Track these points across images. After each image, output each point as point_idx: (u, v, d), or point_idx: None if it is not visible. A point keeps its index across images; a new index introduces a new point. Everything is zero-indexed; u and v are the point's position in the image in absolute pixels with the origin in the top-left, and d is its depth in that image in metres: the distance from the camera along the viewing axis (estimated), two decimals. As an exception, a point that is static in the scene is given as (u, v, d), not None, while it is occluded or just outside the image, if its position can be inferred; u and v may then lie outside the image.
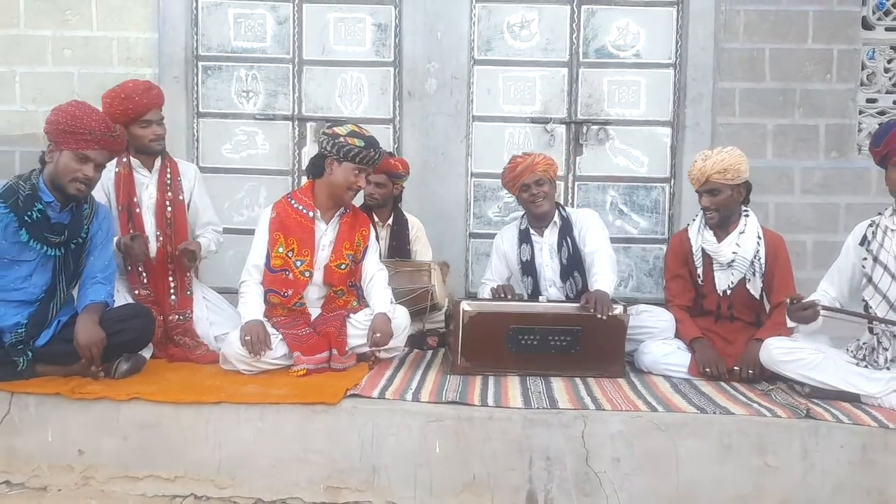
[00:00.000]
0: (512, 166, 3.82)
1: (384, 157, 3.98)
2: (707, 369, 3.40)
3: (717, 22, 4.68)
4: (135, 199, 3.62)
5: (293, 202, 3.54)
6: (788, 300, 3.10)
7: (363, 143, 3.42)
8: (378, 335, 3.39)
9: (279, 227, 3.48)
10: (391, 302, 3.54)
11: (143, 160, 3.66)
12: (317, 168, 3.52)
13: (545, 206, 3.80)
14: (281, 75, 4.91)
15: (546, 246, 3.87)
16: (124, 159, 3.65)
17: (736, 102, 4.70)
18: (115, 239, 3.53)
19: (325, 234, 3.54)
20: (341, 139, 3.41)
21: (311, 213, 3.51)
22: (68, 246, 3.14)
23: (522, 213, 3.99)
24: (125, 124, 3.49)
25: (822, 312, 3.08)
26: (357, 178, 3.46)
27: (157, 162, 3.69)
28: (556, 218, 3.86)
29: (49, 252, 3.09)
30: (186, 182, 3.77)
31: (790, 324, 3.21)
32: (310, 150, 4.81)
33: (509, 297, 3.60)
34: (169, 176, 3.70)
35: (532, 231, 3.90)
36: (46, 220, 3.06)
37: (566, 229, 3.84)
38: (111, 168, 3.63)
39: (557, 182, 4.22)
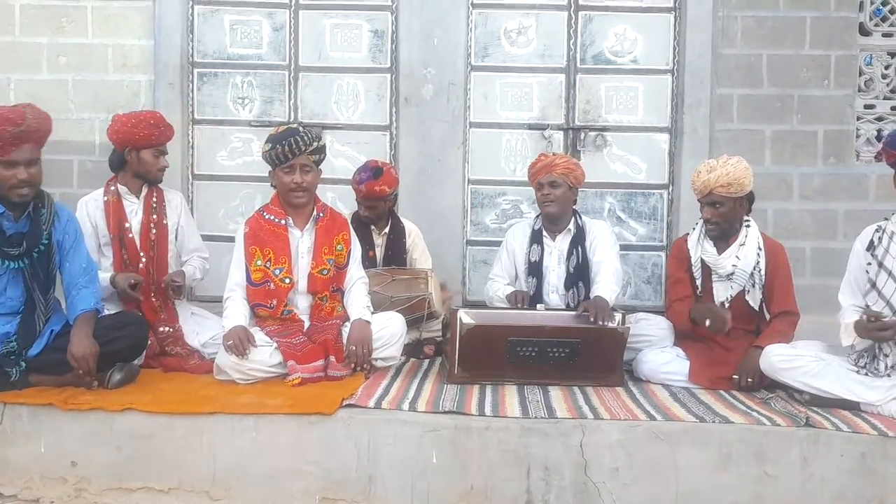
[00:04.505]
0: (534, 162, 3.89)
1: (370, 182, 3.97)
2: (707, 321, 3.39)
3: (715, 28, 4.67)
4: (126, 226, 3.67)
5: (265, 214, 3.54)
6: (864, 317, 3.04)
7: (270, 145, 3.42)
8: (354, 347, 3.35)
9: (254, 241, 3.47)
10: (367, 307, 3.53)
11: (130, 186, 3.72)
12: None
13: (552, 209, 3.80)
14: (277, 82, 4.89)
15: (556, 251, 3.86)
16: (112, 187, 3.70)
17: (734, 108, 4.68)
18: (110, 276, 3.55)
19: (302, 240, 3.53)
20: (263, 151, 3.48)
21: (283, 221, 3.50)
22: (31, 255, 3.07)
23: (538, 213, 3.98)
24: (139, 147, 3.63)
25: None
26: (291, 177, 3.44)
27: (144, 188, 3.74)
28: (571, 225, 3.86)
29: (12, 265, 3.04)
30: (172, 209, 3.82)
31: (849, 340, 3.15)
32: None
33: (521, 305, 3.61)
34: (155, 200, 3.75)
35: (545, 234, 3.89)
36: (1, 233, 3.00)
37: (579, 238, 3.84)
38: (98, 198, 3.71)
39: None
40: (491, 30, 4.86)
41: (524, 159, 4.82)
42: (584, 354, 3.36)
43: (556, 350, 3.35)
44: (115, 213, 3.65)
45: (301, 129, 3.49)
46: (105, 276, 3.55)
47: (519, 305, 3.63)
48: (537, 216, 3.98)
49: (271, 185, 3.60)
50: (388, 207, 4.19)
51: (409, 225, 4.30)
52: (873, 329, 3.02)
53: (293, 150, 3.39)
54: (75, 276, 3.20)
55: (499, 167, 4.89)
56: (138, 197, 3.72)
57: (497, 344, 3.34)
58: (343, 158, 4.83)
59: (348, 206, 4.40)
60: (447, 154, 4.80)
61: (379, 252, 4.16)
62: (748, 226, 3.58)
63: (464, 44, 4.78)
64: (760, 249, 3.55)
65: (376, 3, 4.82)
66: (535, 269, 3.85)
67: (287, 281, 3.46)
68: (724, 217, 3.50)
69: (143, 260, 3.67)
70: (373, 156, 4.57)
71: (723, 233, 3.54)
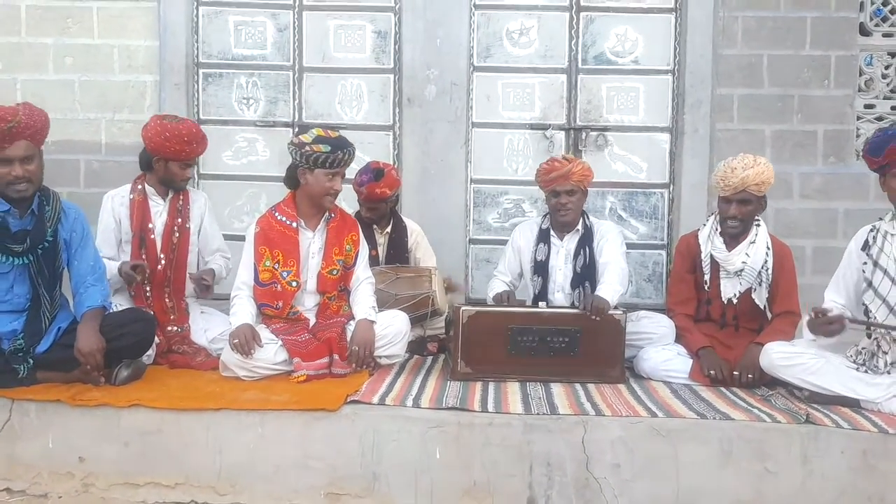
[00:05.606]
0: (548, 169, 3.80)
1: (371, 184, 4.00)
2: (712, 371, 3.40)
3: (716, 28, 4.69)
4: (149, 226, 3.69)
5: (277, 214, 3.55)
6: (812, 314, 3.08)
7: (329, 148, 3.39)
8: (356, 348, 3.38)
9: (264, 242, 3.49)
10: (372, 307, 3.55)
11: (158, 188, 3.74)
12: (292, 179, 3.54)
13: (570, 217, 3.80)
14: (281, 82, 4.92)
15: (563, 251, 3.87)
16: (139, 186, 3.73)
17: (734, 108, 4.70)
18: (118, 265, 3.56)
19: (313, 241, 3.55)
20: (307, 148, 3.40)
21: (294, 224, 3.51)
22: (35, 252, 3.08)
23: (545, 213, 3.98)
24: (168, 159, 3.63)
25: (847, 325, 3.07)
26: (332, 183, 3.45)
27: (171, 191, 3.77)
28: (580, 226, 3.86)
29: (16, 261, 3.06)
30: (196, 209, 3.84)
31: (809, 336, 3.18)
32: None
33: (507, 304, 3.62)
34: (181, 202, 3.78)
35: (553, 233, 3.90)
36: (6, 229, 3.02)
37: (587, 238, 3.84)
38: (125, 194, 3.72)
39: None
40: (493, 30, 4.88)
41: (526, 159, 4.86)
42: (585, 345, 3.40)
43: (557, 340, 3.39)
44: (139, 213, 3.68)
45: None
46: (113, 265, 3.56)
47: (504, 304, 3.64)
48: (545, 215, 3.97)
49: (285, 184, 3.60)
50: (390, 208, 4.22)
51: (410, 224, 4.32)
52: (822, 325, 3.06)
53: (348, 159, 3.46)
54: (84, 274, 3.22)
55: (501, 167, 4.91)
56: (164, 199, 3.75)
57: (499, 335, 3.38)
58: (346, 158, 4.85)
59: (350, 206, 4.42)
60: (450, 154, 4.82)
61: (381, 251, 4.19)
62: (758, 225, 3.60)
63: (466, 44, 4.81)
64: (769, 249, 3.57)
65: (380, 5, 4.85)
66: (541, 268, 3.86)
67: (294, 284, 3.47)
68: (750, 214, 3.54)
69: (163, 262, 3.68)
70: (376, 156, 4.61)
71: (744, 230, 3.57)
